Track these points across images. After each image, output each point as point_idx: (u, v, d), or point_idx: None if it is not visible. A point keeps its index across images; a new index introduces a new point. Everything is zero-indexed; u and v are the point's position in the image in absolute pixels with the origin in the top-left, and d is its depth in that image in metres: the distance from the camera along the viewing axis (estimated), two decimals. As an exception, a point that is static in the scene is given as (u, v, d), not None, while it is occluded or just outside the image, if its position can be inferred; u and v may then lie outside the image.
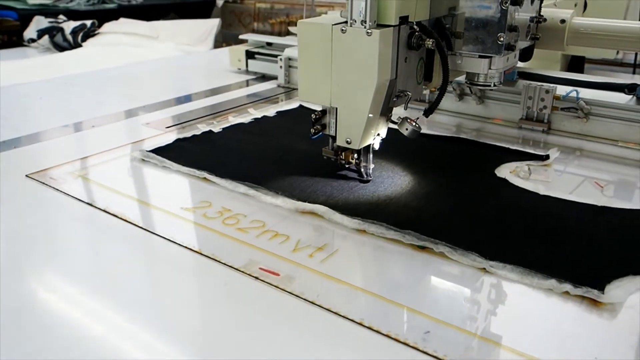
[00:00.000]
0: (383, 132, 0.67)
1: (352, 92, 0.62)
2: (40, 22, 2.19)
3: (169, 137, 0.87)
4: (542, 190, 0.66)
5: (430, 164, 0.74)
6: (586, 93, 0.85)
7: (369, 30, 0.58)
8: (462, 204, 0.64)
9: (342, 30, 0.60)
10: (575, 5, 0.93)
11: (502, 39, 0.68)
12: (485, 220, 0.60)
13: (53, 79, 1.32)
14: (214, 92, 1.17)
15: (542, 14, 0.82)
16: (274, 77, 1.23)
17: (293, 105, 1.02)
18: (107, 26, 2.24)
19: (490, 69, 0.72)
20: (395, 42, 0.61)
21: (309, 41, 0.63)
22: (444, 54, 0.65)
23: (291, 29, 2.25)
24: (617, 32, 0.83)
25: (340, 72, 0.62)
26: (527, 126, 0.90)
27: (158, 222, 0.61)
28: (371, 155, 0.69)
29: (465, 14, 0.70)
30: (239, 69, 1.32)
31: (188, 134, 0.85)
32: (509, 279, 0.50)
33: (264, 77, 1.27)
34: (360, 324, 0.44)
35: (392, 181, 0.69)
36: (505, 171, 0.72)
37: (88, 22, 2.18)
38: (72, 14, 2.38)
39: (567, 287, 0.48)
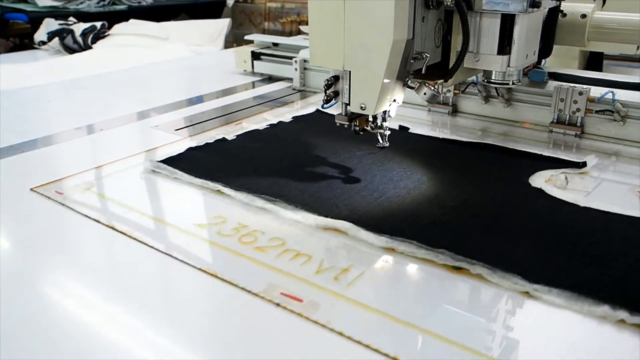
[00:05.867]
0: (399, 98, 0.63)
1: (367, 54, 0.58)
2: (50, 24, 2.18)
3: (178, 140, 0.83)
4: (582, 202, 0.60)
5: (457, 173, 0.68)
6: (622, 94, 0.78)
7: (384, -16, 0.54)
8: (496, 217, 0.58)
9: (355, -15, 0.56)
10: (594, 0, 0.89)
11: (526, -5, 0.64)
12: (523, 237, 0.54)
13: (62, 81, 1.29)
14: (222, 94, 1.12)
15: (562, 8, 0.79)
16: (282, 79, 1.19)
17: (309, 109, 0.96)
18: (117, 27, 2.23)
19: (509, 66, 0.68)
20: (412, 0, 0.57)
21: (319, 0, 0.59)
22: (464, 14, 0.61)
23: (302, 28, 2.22)
24: (641, 27, 0.79)
25: (353, 33, 0.58)
26: (559, 130, 0.83)
27: (170, 240, 0.56)
28: (387, 122, 0.65)
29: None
30: (245, 70, 1.28)
31: (201, 142, 0.79)
32: (555, 305, 0.44)
33: (270, 79, 1.23)
34: (394, 359, 0.39)
35: (419, 192, 0.63)
36: (540, 180, 0.65)
37: (98, 24, 2.17)
38: (82, 16, 2.37)
39: (623, 314, 0.42)
